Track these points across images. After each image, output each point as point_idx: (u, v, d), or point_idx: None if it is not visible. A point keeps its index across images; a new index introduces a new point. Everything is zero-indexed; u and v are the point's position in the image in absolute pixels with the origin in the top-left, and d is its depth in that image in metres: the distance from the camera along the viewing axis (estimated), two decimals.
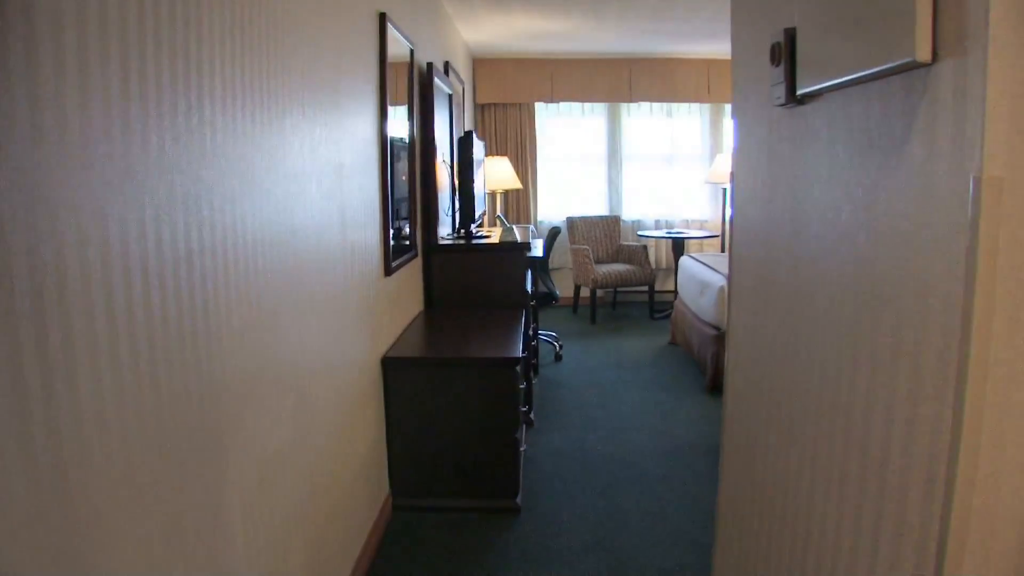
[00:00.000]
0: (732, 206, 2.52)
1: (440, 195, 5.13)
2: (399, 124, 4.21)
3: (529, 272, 5.61)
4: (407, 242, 4.44)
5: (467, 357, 3.71)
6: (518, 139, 9.35)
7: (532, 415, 5.35)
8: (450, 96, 5.91)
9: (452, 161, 5.68)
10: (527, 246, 4.93)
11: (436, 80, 5.02)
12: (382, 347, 3.75)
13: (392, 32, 3.86)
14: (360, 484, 3.31)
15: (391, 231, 3.81)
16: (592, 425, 5.38)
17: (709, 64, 9.29)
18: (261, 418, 2.13)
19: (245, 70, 2.01)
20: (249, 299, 2.04)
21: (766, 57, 1.91)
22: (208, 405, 1.79)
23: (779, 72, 1.79)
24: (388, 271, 3.81)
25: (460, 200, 5.26)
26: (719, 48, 8.70)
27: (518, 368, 3.71)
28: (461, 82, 7.41)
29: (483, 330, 4.32)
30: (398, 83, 4.19)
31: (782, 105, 1.82)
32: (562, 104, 9.53)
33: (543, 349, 7.37)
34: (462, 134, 5.32)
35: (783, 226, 1.97)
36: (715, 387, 6.11)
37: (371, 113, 3.53)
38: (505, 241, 4.93)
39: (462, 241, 5.09)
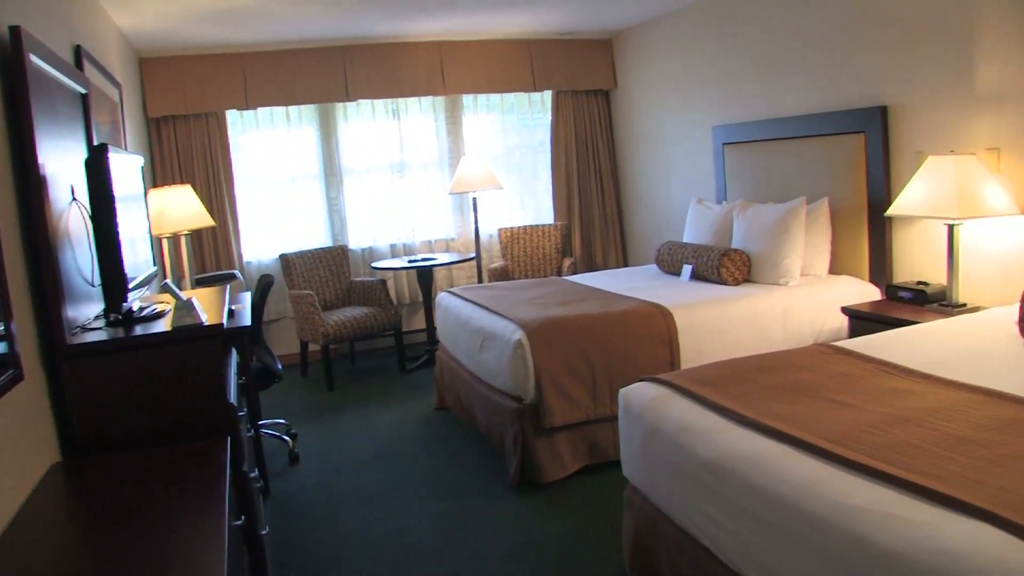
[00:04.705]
0: None
1: (75, 255, 3.03)
2: None
3: (233, 361, 3.61)
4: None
5: None
6: (207, 161, 7.16)
7: None
8: (83, 97, 3.79)
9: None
10: (218, 330, 2.92)
11: (37, 62, 2.91)
12: None
13: None
14: None
15: None
16: None
17: (441, 47, 7.55)
18: None
19: None
20: None
21: None
22: None
23: None
24: None
25: (101, 262, 3.16)
26: (455, 24, 6.96)
27: None
28: (117, 85, 5.24)
29: (152, 517, 2.28)
30: None
31: None
32: (261, 112, 7.44)
33: (269, 447, 5.30)
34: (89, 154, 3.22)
35: None
36: (524, 480, 4.36)
37: None
38: (182, 327, 2.88)
39: (120, 331, 2.99)
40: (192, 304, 2.95)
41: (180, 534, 2.10)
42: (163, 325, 3.00)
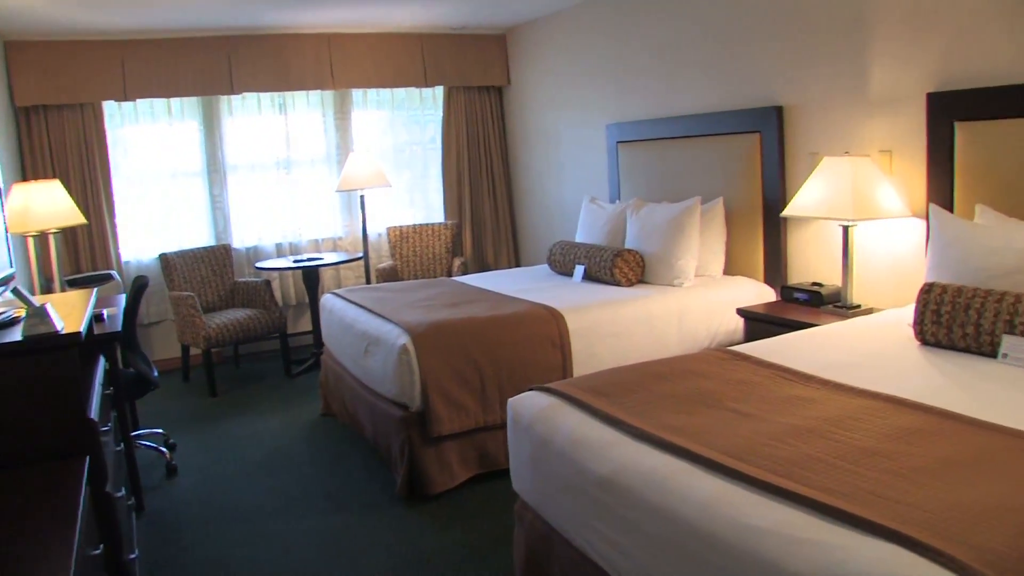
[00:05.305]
0: None
1: None
2: None
3: (100, 370, 3.36)
4: None
5: None
6: (83, 154, 6.74)
7: None
8: None
9: None
10: (75, 339, 2.67)
11: None
12: None
13: None
14: None
15: None
16: None
17: (330, 40, 7.30)
18: None
19: None
20: None
21: None
22: None
23: None
24: None
25: None
26: (345, 16, 6.72)
27: None
28: None
29: None
30: None
31: None
32: (141, 104, 7.04)
33: (145, 460, 4.99)
34: None
35: None
36: (412, 491, 4.18)
37: None
38: (33, 336, 2.62)
39: None
40: (45, 311, 2.68)
41: (16, 571, 1.87)
42: (17, 333, 2.74)
